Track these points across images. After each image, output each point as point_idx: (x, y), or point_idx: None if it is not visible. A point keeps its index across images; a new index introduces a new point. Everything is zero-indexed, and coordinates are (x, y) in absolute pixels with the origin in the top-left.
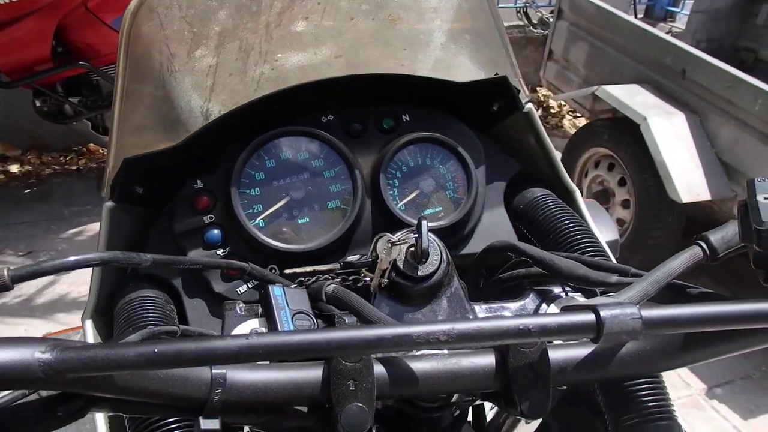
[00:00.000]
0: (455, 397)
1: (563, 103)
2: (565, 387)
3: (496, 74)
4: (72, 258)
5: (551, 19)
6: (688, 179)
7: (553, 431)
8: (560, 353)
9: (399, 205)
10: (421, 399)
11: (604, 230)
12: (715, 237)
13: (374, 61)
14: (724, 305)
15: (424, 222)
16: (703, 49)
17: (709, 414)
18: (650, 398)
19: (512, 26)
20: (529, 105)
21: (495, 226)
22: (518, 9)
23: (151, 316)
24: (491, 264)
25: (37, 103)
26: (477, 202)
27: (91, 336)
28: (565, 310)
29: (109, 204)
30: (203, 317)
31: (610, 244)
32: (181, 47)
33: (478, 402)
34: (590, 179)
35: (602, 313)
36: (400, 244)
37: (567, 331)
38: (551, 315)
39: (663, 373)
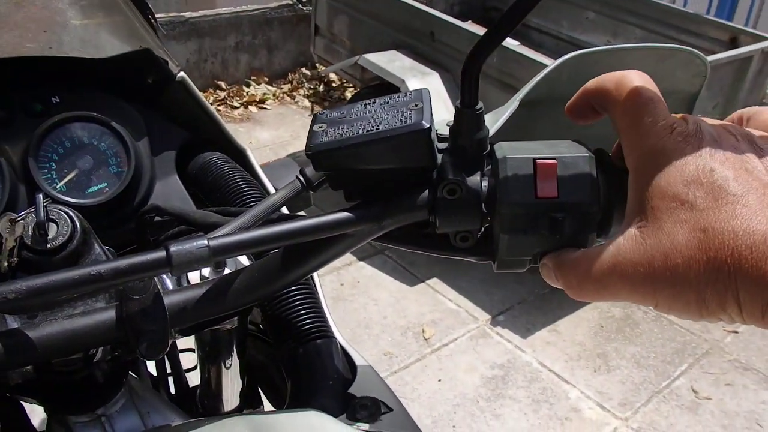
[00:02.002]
0: (99, 355)
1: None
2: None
3: (141, 47)
4: None
5: None
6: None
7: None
8: (177, 296)
9: (59, 186)
10: (54, 365)
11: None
12: (309, 170)
13: (13, 45)
14: (288, 224)
15: (38, 195)
16: (456, 12)
17: (495, 340)
18: (306, 322)
19: (282, 5)
20: (182, 74)
21: (168, 195)
22: None
23: None
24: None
25: None
26: (142, 173)
27: None
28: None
29: None
30: None
31: None
32: None
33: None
34: None
35: (172, 248)
36: (21, 220)
37: (140, 270)
38: (123, 258)
39: (451, 310)
